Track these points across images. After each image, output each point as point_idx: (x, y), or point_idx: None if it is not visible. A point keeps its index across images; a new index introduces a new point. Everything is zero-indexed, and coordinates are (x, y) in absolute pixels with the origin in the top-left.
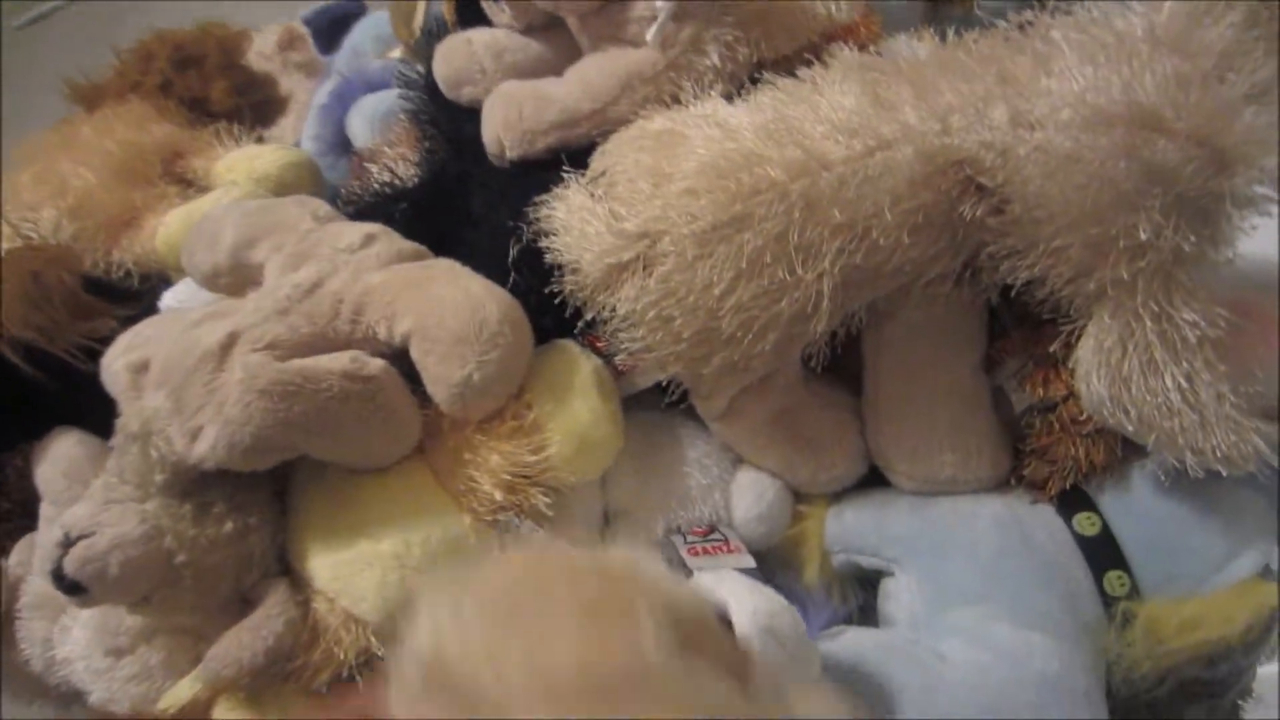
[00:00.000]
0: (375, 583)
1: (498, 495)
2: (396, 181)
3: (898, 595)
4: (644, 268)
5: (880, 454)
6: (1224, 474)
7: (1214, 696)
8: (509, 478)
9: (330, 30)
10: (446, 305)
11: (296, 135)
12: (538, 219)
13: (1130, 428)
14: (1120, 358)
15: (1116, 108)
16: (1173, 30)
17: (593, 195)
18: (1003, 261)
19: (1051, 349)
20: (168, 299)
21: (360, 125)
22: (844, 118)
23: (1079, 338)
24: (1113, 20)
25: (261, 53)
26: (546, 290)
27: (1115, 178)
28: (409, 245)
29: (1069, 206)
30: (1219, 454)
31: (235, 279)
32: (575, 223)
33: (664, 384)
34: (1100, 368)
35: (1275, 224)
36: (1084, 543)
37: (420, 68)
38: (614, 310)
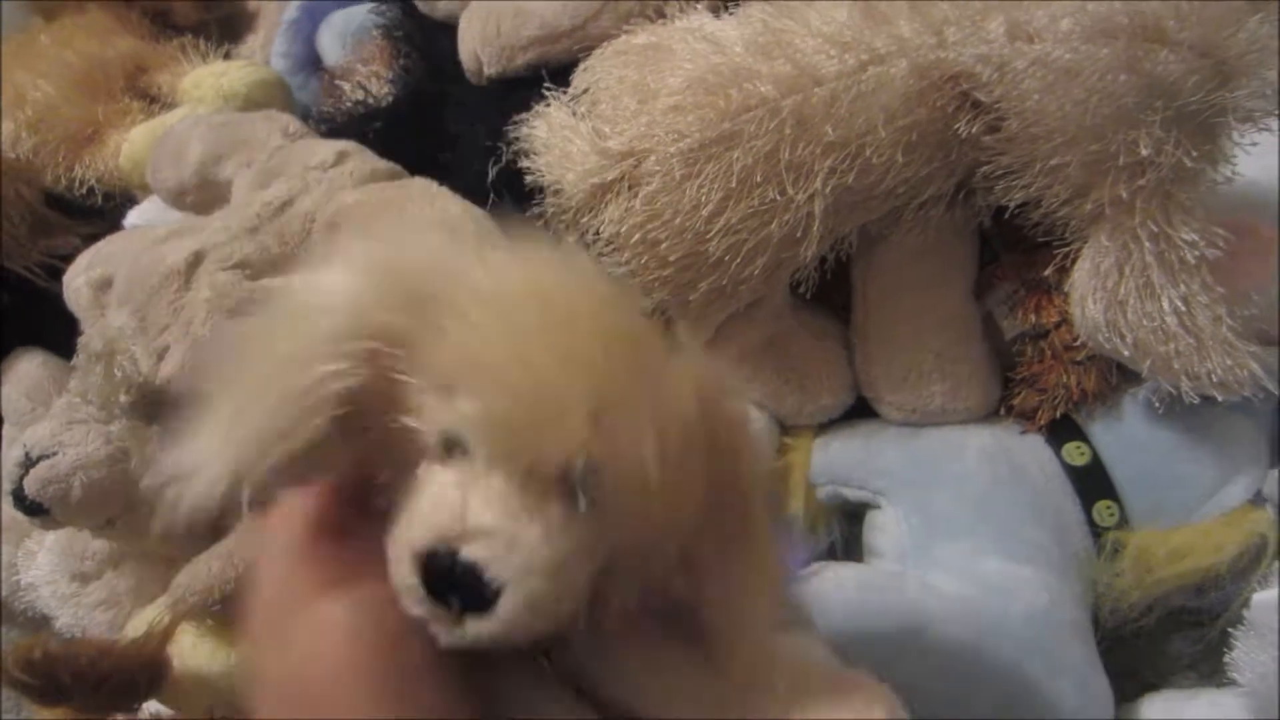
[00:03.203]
0: None
1: None
2: (370, 100)
3: (885, 527)
4: (629, 188)
5: (868, 384)
6: (1218, 400)
7: (1201, 626)
8: None
9: None
10: (423, 226)
11: (265, 56)
12: (517, 138)
13: (1125, 353)
14: (1117, 280)
15: (1118, 18)
16: None
17: (575, 113)
18: (998, 181)
19: (1045, 273)
20: (133, 218)
21: (331, 42)
22: (836, 30)
23: (1074, 261)
24: None
25: None
26: (527, 213)
27: (1116, 91)
28: (384, 164)
29: (1067, 122)
30: (1215, 378)
31: (202, 196)
32: (557, 141)
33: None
34: (1096, 291)
35: (1275, 143)
36: (1073, 473)
37: None
38: (597, 233)
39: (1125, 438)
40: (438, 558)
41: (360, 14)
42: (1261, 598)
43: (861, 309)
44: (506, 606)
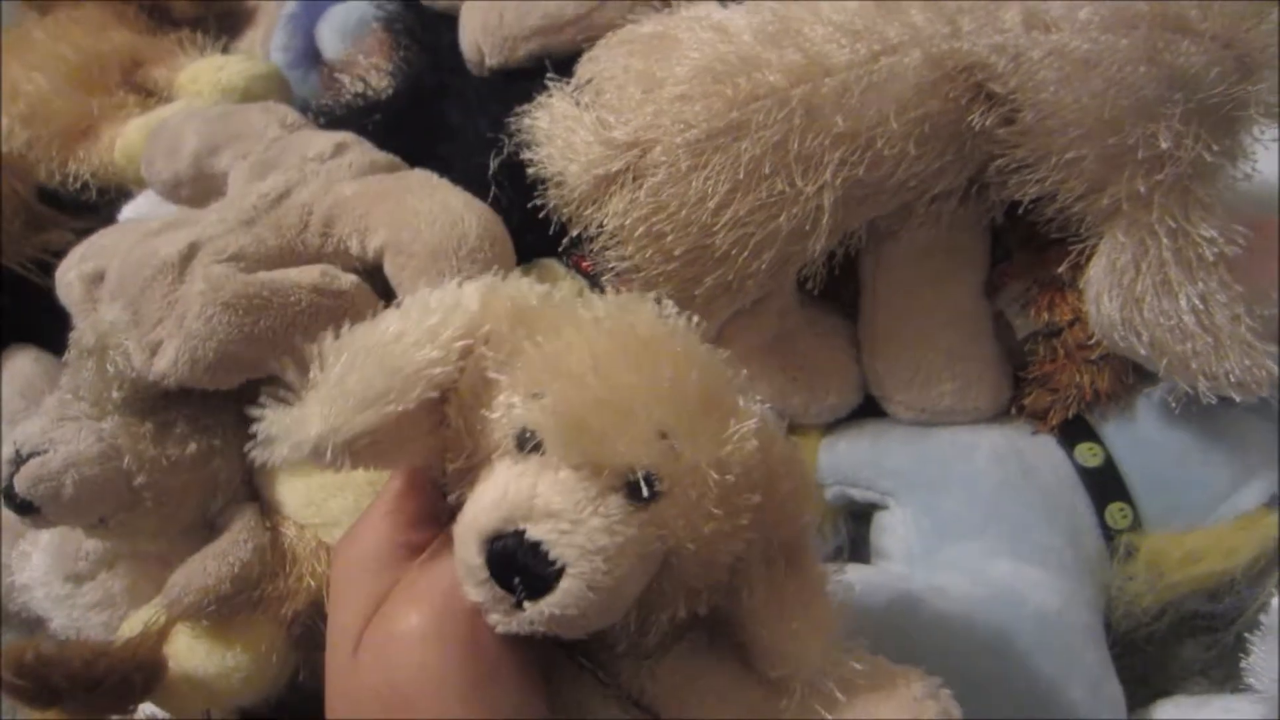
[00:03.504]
0: (349, 508)
1: None
2: (370, 93)
3: (893, 529)
4: (634, 179)
5: (876, 382)
6: (1236, 400)
7: (1215, 631)
8: None
9: None
10: (423, 218)
11: (264, 50)
12: (519, 129)
13: (1142, 352)
14: (1133, 278)
15: (1139, 6)
16: None
17: (579, 103)
18: (1011, 176)
19: (1059, 271)
20: (127, 212)
21: (331, 35)
22: (847, 19)
23: (1089, 258)
24: None
25: None
26: (529, 205)
27: (1135, 83)
28: (383, 156)
29: (1084, 115)
30: (1233, 379)
31: (197, 189)
32: (560, 132)
33: None
34: (1112, 289)
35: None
36: (1086, 474)
37: None
38: (601, 226)
39: (1139, 439)
40: (503, 539)
41: (360, 7)
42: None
43: (870, 306)
44: (566, 586)
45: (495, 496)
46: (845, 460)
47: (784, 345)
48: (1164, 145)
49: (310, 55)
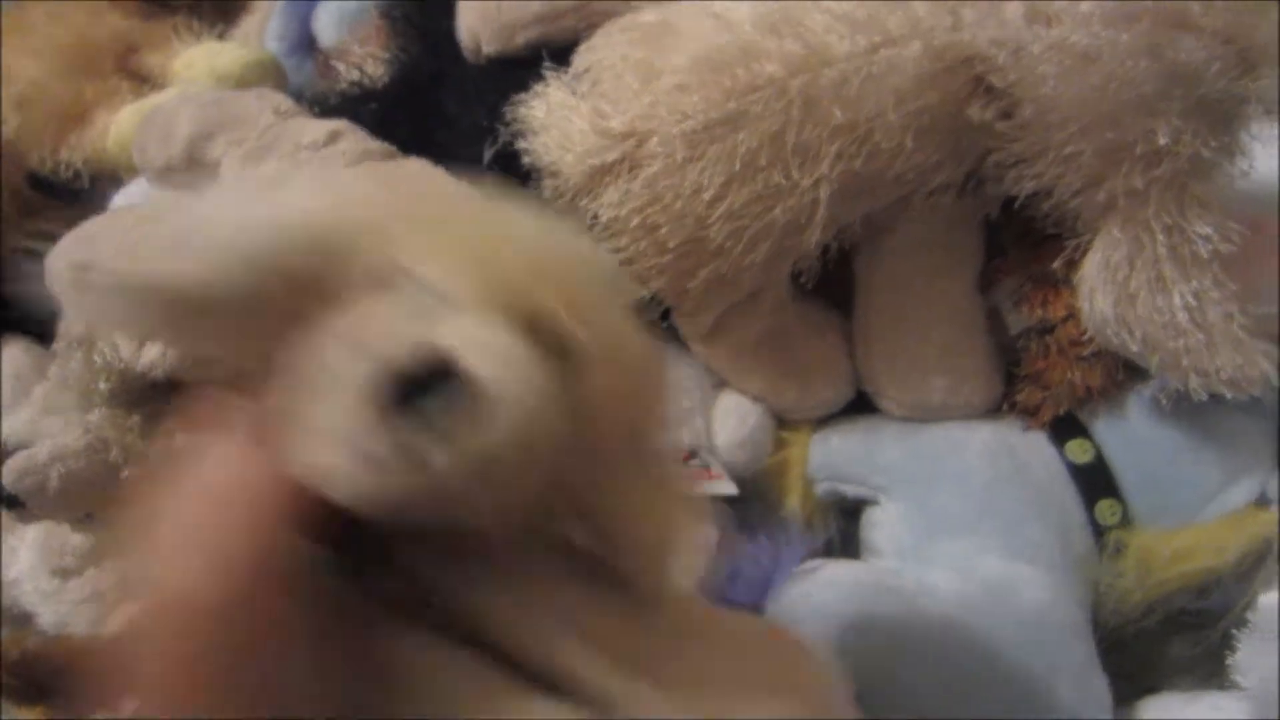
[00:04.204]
0: None
1: None
2: (365, 81)
3: (884, 524)
4: (629, 170)
5: (870, 378)
6: (1227, 397)
7: (1203, 628)
8: None
9: None
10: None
11: (260, 38)
12: (515, 119)
13: (1134, 348)
14: (1127, 274)
15: (1141, 3)
16: None
17: (575, 92)
18: (1009, 170)
19: (1053, 267)
20: (119, 200)
21: (327, 23)
22: (849, 9)
23: (1083, 254)
24: None
25: None
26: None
27: (1135, 78)
28: (377, 144)
29: (1084, 109)
30: (1224, 376)
31: (189, 175)
32: (555, 121)
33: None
34: (1106, 284)
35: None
36: (1076, 471)
37: None
38: (596, 217)
39: (1129, 436)
40: (408, 379)
41: None
42: (1268, 600)
43: (864, 300)
44: (506, 418)
45: (386, 325)
46: (837, 455)
47: (778, 340)
48: (1162, 141)
49: (306, 43)
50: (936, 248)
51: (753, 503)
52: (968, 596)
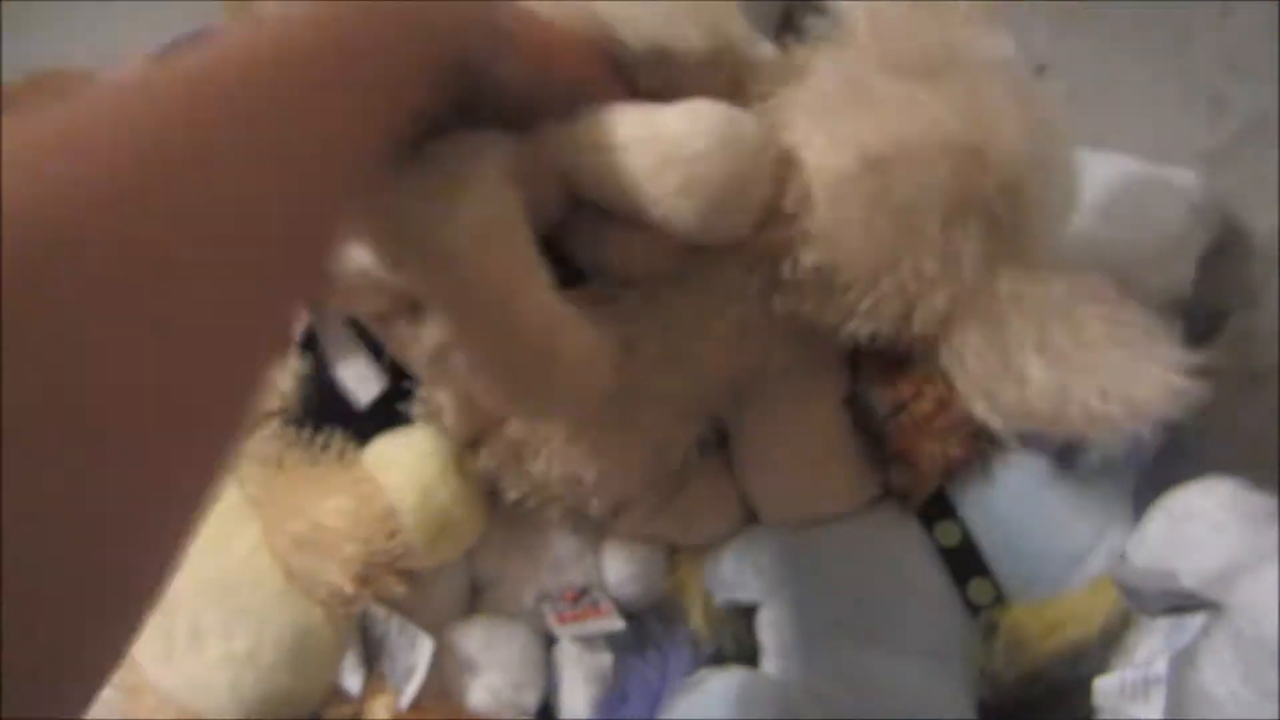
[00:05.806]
0: (228, 685)
1: (349, 589)
2: None
3: (768, 627)
4: None
5: (752, 503)
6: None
7: (1083, 695)
8: (362, 569)
9: None
10: None
11: None
12: None
13: (1054, 424)
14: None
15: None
16: None
17: None
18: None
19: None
20: None
21: None
22: None
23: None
24: None
25: None
26: None
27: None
28: None
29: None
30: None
31: None
32: None
33: None
34: (998, 379)
35: None
36: (945, 554)
37: None
38: None
39: (993, 514)
40: None
41: None
42: (1103, 684)
43: (737, 433)
44: None
45: None
46: (727, 568)
47: (667, 502)
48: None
49: None
50: (797, 373)
51: (653, 624)
52: (845, 698)
